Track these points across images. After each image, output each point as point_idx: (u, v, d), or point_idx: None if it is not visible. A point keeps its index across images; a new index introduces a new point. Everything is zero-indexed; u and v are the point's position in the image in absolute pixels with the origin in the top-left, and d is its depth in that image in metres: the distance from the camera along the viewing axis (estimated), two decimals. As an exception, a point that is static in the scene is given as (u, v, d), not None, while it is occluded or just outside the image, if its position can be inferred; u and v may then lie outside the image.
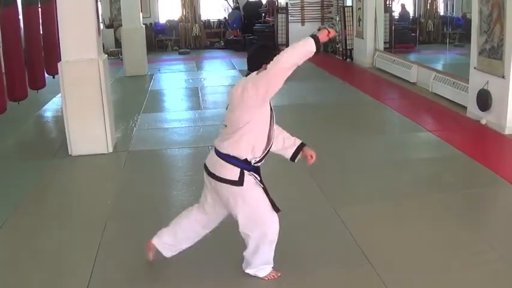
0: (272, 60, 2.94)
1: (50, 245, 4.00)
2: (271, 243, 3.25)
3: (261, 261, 3.31)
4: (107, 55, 6.72)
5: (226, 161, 3.04)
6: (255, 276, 3.39)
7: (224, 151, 3.04)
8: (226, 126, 3.07)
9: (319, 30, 3.05)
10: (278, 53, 2.97)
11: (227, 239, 3.96)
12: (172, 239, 3.43)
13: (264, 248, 3.23)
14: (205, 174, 3.19)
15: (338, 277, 3.40)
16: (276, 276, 3.36)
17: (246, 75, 3.10)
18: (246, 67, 3.20)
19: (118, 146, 6.48)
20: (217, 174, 3.08)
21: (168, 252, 3.47)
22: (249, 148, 3.02)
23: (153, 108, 8.77)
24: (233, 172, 3.04)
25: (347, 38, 13.04)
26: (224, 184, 3.08)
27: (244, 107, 2.96)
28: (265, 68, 2.95)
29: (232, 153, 3.03)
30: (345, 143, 6.41)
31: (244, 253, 3.31)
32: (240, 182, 3.04)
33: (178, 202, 4.85)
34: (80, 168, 5.84)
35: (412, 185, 5.01)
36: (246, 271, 3.39)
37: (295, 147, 3.32)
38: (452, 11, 14.20)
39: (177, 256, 3.78)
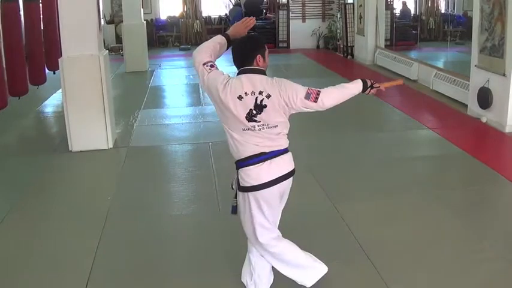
0: (263, 50, 2.95)
1: (49, 241, 4.01)
2: None
3: None
4: (107, 51, 6.72)
5: (286, 153, 3.00)
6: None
7: (283, 147, 2.98)
8: (276, 126, 2.92)
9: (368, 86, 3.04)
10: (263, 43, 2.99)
11: (228, 239, 3.97)
12: None
13: None
14: (275, 187, 2.97)
15: (338, 274, 3.39)
16: None
17: (242, 72, 2.94)
18: None
19: (118, 141, 6.48)
20: (291, 169, 3.03)
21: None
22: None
23: (154, 104, 8.77)
24: (292, 159, 3.05)
25: (348, 35, 13.04)
26: (291, 176, 3.06)
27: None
28: (259, 59, 2.92)
29: (286, 145, 3.01)
30: (345, 139, 6.41)
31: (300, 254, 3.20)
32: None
33: (178, 198, 4.86)
34: (80, 164, 5.84)
35: (412, 182, 5.01)
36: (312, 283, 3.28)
37: None
38: (454, 9, 14.16)
39: (178, 252, 3.80)
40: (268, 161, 2.90)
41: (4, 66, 5.95)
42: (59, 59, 6.01)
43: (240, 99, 2.83)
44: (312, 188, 4.87)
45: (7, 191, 5.04)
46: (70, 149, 6.08)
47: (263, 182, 2.90)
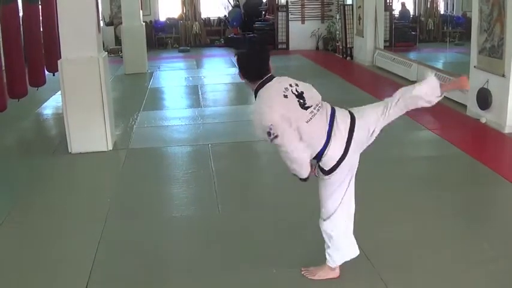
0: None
1: (49, 243, 4.01)
2: None
3: None
4: (106, 53, 6.72)
5: (336, 112, 3.17)
6: (251, 276, 3.40)
7: (330, 110, 3.15)
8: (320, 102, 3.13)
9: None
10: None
11: (228, 241, 3.97)
12: None
13: None
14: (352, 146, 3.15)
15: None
16: None
17: (267, 80, 3.02)
18: None
19: (118, 143, 6.47)
20: (349, 121, 3.19)
21: None
22: None
23: (153, 106, 8.77)
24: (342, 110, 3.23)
25: (347, 36, 13.05)
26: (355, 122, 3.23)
27: None
28: (270, 63, 3.07)
29: (330, 106, 3.20)
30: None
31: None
32: None
33: (178, 200, 4.86)
34: (79, 166, 5.84)
35: (411, 183, 5.01)
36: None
37: None
38: (453, 10, 14.19)
39: (177, 254, 3.79)
40: (333, 134, 3.01)
41: (3, 68, 5.95)
42: (58, 61, 6.02)
43: (286, 98, 2.97)
44: (312, 188, 4.85)
45: (7, 193, 5.04)
46: (69, 151, 6.08)
47: (343, 152, 3.04)
